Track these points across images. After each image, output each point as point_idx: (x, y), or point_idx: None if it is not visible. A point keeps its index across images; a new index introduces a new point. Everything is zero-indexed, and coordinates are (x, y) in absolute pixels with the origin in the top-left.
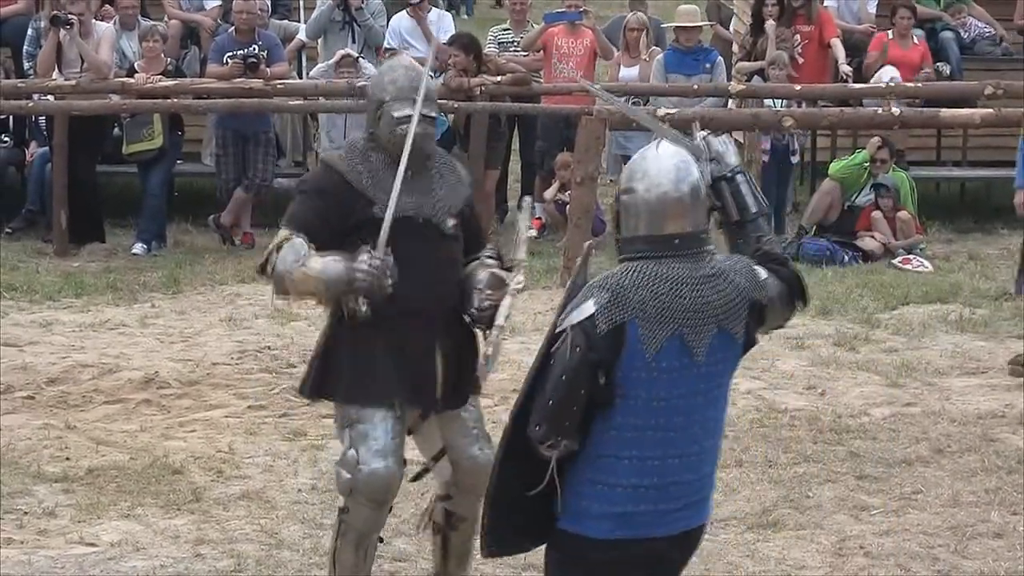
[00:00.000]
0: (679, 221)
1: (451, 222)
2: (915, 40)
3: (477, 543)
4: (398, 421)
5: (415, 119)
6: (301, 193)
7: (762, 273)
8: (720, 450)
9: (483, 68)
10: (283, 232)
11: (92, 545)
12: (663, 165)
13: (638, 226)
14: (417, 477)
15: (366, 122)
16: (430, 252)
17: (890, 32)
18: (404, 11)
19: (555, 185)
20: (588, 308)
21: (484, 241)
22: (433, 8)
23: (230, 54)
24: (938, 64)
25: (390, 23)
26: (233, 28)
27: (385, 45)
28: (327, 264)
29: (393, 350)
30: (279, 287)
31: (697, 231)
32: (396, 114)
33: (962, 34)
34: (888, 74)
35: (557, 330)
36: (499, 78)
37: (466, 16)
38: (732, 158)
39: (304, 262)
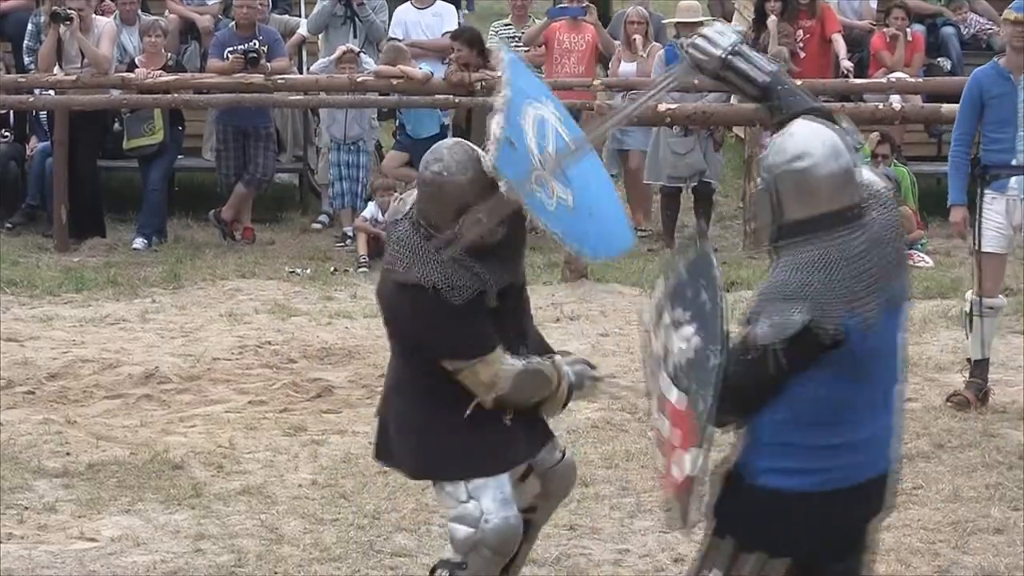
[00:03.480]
0: (849, 192)
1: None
2: (909, 36)
3: None
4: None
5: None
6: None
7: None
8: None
9: (487, 62)
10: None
11: (92, 540)
12: (821, 139)
13: (810, 206)
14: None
15: (427, 216)
16: (521, 308)
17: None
18: (408, 3)
19: None
20: (794, 323)
21: None
22: (437, 1)
23: (230, 49)
24: (939, 59)
25: (394, 15)
26: (234, 23)
27: (389, 36)
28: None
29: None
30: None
31: (860, 200)
32: (486, 218)
33: (963, 29)
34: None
35: (759, 343)
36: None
37: (467, 11)
38: (723, 40)
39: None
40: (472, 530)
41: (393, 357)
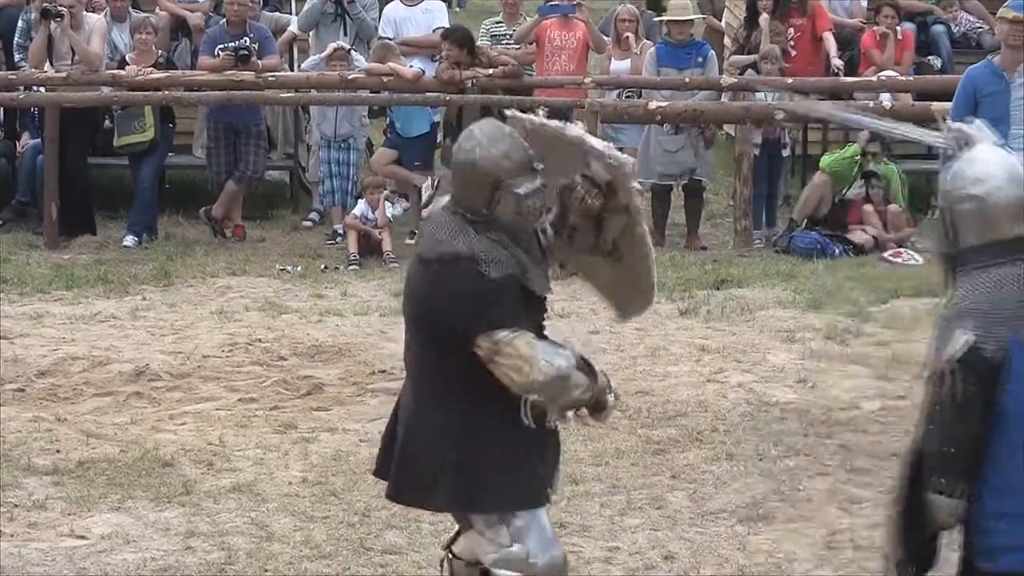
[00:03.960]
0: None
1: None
2: (899, 35)
3: None
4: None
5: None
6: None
7: None
8: None
9: (476, 61)
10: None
11: (82, 538)
12: (1001, 166)
13: (988, 232)
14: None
15: (464, 200)
16: (541, 309)
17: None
18: (398, 0)
19: None
20: (962, 338)
21: None
22: None
23: (221, 46)
24: (929, 57)
25: (384, 12)
26: (225, 20)
27: (379, 34)
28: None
29: (539, 441)
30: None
31: None
32: (522, 191)
33: (953, 28)
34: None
35: (928, 373)
36: (491, 71)
37: (458, 8)
38: None
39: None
40: (520, 574)
41: (422, 371)
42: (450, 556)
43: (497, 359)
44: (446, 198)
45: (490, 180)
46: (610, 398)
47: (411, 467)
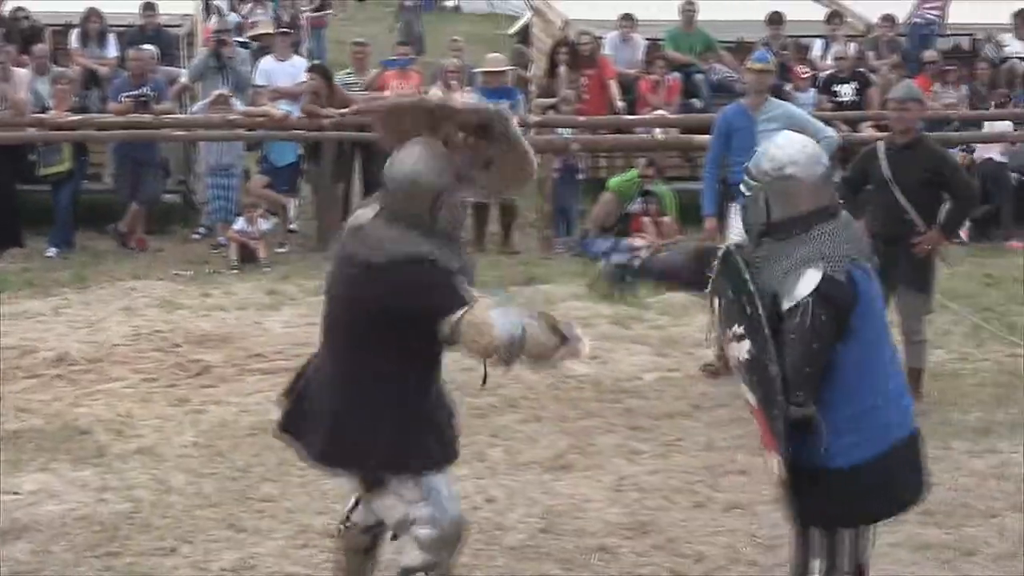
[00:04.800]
0: (828, 192)
1: None
2: (669, 82)
3: None
4: None
5: None
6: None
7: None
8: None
9: (332, 94)
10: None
11: (15, 493)
12: (805, 149)
13: (803, 204)
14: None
15: (407, 211)
16: None
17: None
18: (270, 56)
19: None
20: (814, 275)
21: None
22: (294, 56)
23: (126, 94)
24: (692, 99)
25: (259, 65)
26: (129, 73)
27: (254, 82)
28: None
29: (447, 405)
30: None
31: (836, 201)
32: (456, 199)
33: (711, 76)
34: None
35: (786, 307)
36: (344, 109)
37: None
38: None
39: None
40: (435, 530)
41: (363, 352)
42: (347, 524)
43: (462, 329)
44: (370, 212)
45: (432, 194)
46: (577, 347)
47: (344, 435)
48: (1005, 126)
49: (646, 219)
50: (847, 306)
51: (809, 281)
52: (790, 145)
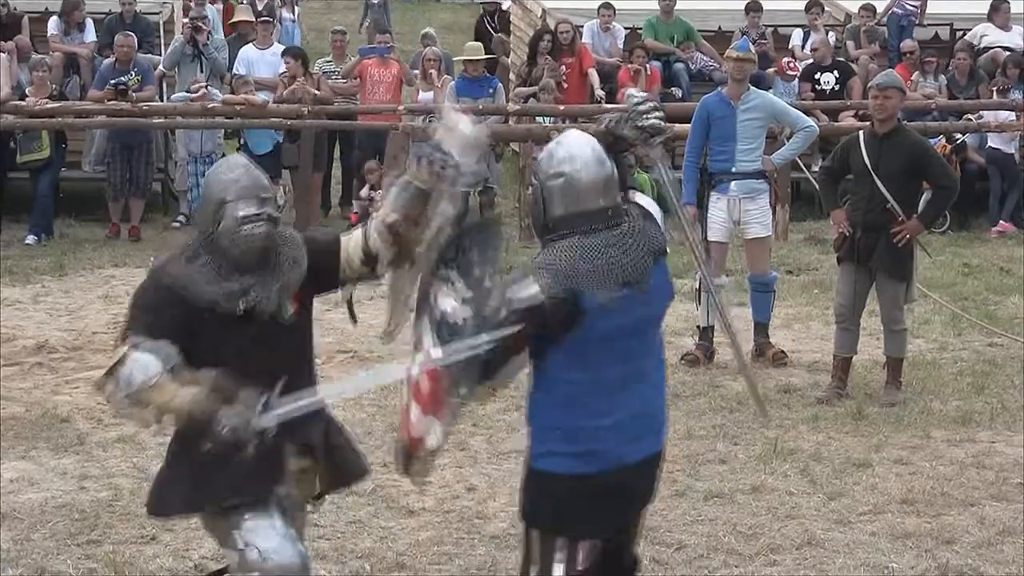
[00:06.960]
0: (610, 196)
1: (291, 309)
2: (648, 71)
3: None
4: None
5: None
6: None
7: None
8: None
9: (308, 77)
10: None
11: None
12: (586, 148)
13: (574, 204)
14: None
15: (201, 222)
16: (279, 348)
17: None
18: (251, 44)
19: (366, 186)
20: (533, 288)
21: (337, 251)
22: (273, 44)
23: (112, 81)
24: (672, 88)
25: (239, 53)
26: (114, 59)
27: (234, 72)
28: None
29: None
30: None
31: (617, 203)
32: (240, 214)
33: (691, 65)
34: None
35: (498, 305)
36: (318, 92)
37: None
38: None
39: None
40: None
41: None
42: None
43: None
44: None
45: (213, 201)
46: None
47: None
48: (1006, 115)
49: None
50: (548, 325)
51: (524, 290)
52: (572, 144)
